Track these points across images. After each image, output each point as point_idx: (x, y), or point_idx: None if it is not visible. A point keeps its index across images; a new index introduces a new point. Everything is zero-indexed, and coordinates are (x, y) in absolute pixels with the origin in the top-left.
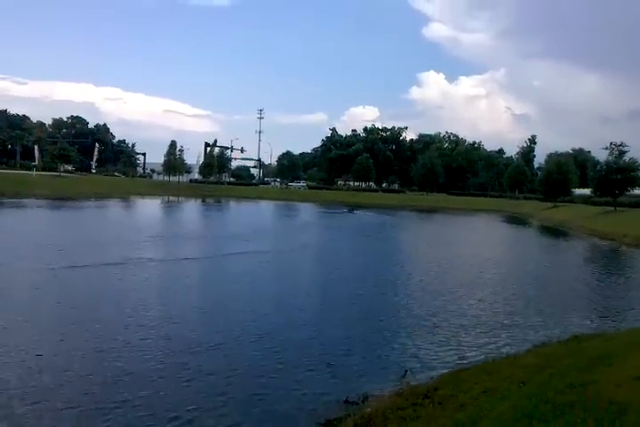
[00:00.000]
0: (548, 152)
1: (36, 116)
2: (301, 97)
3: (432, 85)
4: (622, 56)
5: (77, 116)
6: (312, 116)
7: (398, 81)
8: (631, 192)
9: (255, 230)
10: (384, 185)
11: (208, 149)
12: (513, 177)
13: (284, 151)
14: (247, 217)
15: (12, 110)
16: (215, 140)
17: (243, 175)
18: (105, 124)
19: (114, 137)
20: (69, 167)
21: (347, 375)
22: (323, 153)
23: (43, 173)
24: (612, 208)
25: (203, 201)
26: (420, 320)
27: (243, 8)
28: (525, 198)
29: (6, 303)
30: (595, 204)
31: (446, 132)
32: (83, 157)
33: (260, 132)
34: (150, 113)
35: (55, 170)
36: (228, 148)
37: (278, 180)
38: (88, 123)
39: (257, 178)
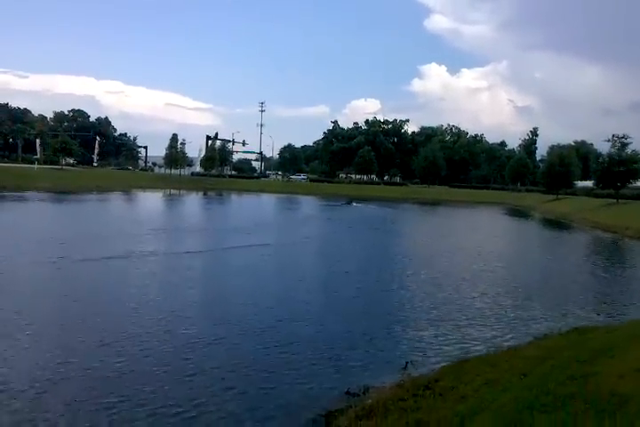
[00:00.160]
0: (550, 144)
1: (37, 109)
2: (303, 90)
3: (434, 78)
4: (624, 48)
5: (79, 110)
6: (314, 109)
7: (400, 73)
8: (633, 184)
9: (257, 223)
10: (386, 178)
11: (209, 142)
12: (515, 169)
13: (286, 144)
14: (249, 210)
15: (14, 104)
16: (216, 134)
17: (244, 168)
18: (106, 118)
19: (115, 130)
20: (71, 161)
21: (348, 367)
22: (324, 146)
23: (44, 166)
24: (615, 200)
25: (204, 194)
26: (423, 313)
27: (243, 0)
28: (527, 191)
29: (8, 297)
30: (597, 196)
31: (448, 125)
32: (84, 150)
33: (261, 125)
34: (152, 106)
35: (57, 163)
36: (229, 141)
37: (279, 173)
38: (89, 116)
39: (258, 171)
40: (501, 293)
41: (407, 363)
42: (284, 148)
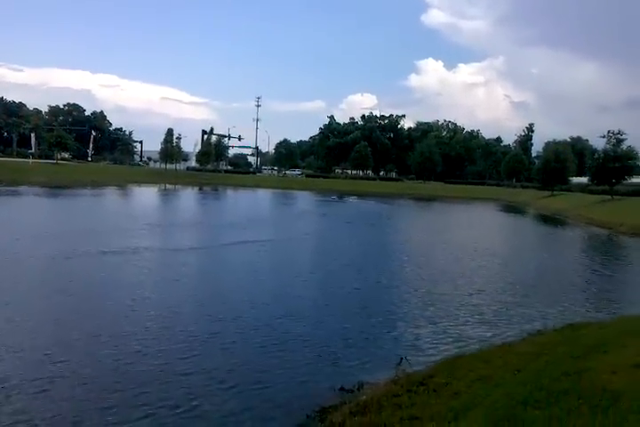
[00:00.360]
0: (545, 140)
1: (32, 103)
2: (299, 85)
3: (430, 73)
4: (620, 44)
5: (74, 104)
6: (310, 104)
7: (397, 68)
8: (628, 181)
9: (253, 219)
10: (381, 173)
11: (205, 136)
12: (510, 165)
13: (282, 139)
14: (245, 205)
15: (9, 98)
16: (212, 128)
17: (240, 163)
18: (102, 112)
19: (111, 125)
20: (66, 155)
21: (343, 364)
22: (320, 141)
23: (39, 160)
24: (610, 197)
25: (200, 189)
26: (419, 309)
27: None
28: (523, 187)
29: (3, 293)
30: (592, 192)
31: (444, 120)
32: (79, 144)
33: (257, 120)
34: (147, 100)
35: (52, 158)
36: (225, 136)
37: (275, 168)
38: (85, 110)
39: (254, 166)
40: (498, 289)
41: (402, 359)
42: (280, 143)
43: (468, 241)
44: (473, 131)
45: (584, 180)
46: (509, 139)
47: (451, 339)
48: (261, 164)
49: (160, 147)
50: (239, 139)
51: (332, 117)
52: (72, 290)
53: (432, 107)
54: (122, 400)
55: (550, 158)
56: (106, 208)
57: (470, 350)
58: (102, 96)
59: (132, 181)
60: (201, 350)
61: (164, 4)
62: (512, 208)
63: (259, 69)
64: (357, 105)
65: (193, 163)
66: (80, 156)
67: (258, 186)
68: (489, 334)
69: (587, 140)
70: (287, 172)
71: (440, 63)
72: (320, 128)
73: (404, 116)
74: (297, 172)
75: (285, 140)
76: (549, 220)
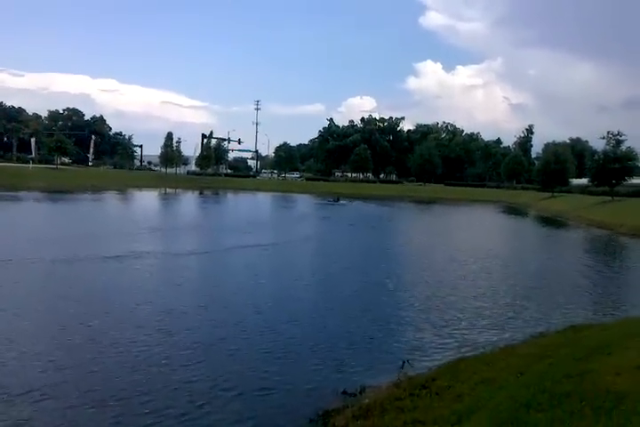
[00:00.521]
0: (545, 142)
1: (31, 108)
2: (298, 88)
3: (429, 75)
4: (617, 45)
5: (74, 109)
6: (309, 107)
7: (395, 71)
8: (628, 182)
9: (254, 222)
10: (381, 176)
11: (205, 140)
12: (510, 167)
13: (282, 143)
14: (245, 209)
15: (8, 103)
16: (211, 132)
17: (240, 167)
18: (101, 116)
19: (110, 129)
20: (66, 160)
21: (346, 367)
22: (320, 144)
23: (39, 165)
24: (610, 198)
25: (200, 193)
26: (422, 313)
27: None
28: (523, 189)
29: (6, 297)
30: (592, 193)
31: (444, 122)
32: (79, 149)
33: (257, 124)
34: (147, 105)
35: (52, 162)
36: (225, 139)
37: (274, 171)
38: (84, 115)
39: (254, 169)
40: (501, 291)
41: (404, 362)
42: (280, 146)
43: (470, 243)
44: (472, 133)
45: (584, 181)
46: (509, 140)
47: (453, 342)
48: (261, 167)
49: (160, 151)
50: (239, 142)
51: (331, 120)
52: (74, 295)
53: (431, 109)
54: (127, 408)
55: (550, 160)
56: (106, 213)
57: (473, 352)
58: (102, 101)
59: (132, 185)
60: (205, 355)
61: (163, 8)
62: (513, 210)
63: (258, 73)
64: (357, 108)
65: (193, 167)
66: (80, 160)
67: (258, 189)
68: (494, 338)
69: (586, 142)
70: (287, 175)
71: (439, 65)
72: (319, 131)
73: (403, 118)
74: (295, 175)
75: (285, 144)
76: (550, 221)
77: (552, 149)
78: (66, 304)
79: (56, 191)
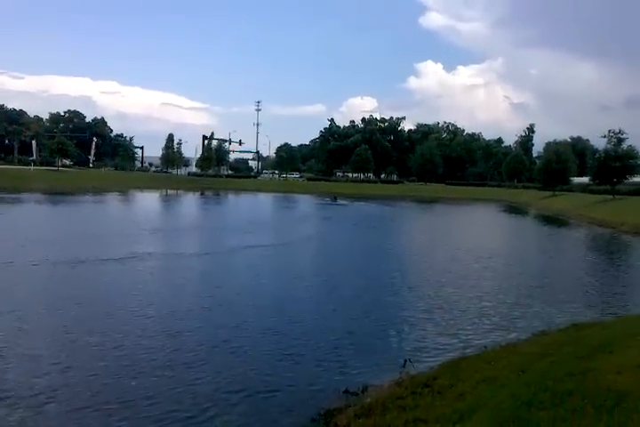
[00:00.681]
0: (546, 141)
1: (32, 110)
2: (299, 88)
3: (430, 75)
4: (618, 44)
5: (74, 111)
6: (310, 108)
7: (396, 71)
8: (630, 180)
9: (255, 223)
10: (382, 176)
11: (206, 141)
12: (511, 166)
13: (283, 143)
14: (246, 209)
15: (9, 105)
16: (212, 133)
17: (241, 168)
18: (102, 118)
19: (111, 131)
20: (67, 162)
21: (349, 367)
22: (321, 144)
23: (40, 167)
24: (611, 196)
25: (202, 194)
26: (425, 312)
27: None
28: (524, 187)
29: (9, 300)
30: (593, 192)
31: (444, 122)
32: (80, 151)
33: (257, 125)
34: (148, 106)
35: (53, 165)
36: (226, 140)
37: (275, 172)
38: (85, 117)
39: (255, 170)
40: (504, 290)
41: (406, 361)
42: (281, 147)
43: (472, 242)
44: (474, 133)
45: (585, 180)
46: (510, 140)
47: (457, 342)
48: (262, 168)
49: (161, 152)
50: (240, 143)
51: (332, 121)
52: (76, 297)
53: (432, 109)
54: (131, 411)
55: (551, 159)
56: (108, 214)
57: (474, 351)
58: (103, 103)
59: (133, 186)
60: (208, 356)
61: (163, 10)
62: (514, 209)
63: (258, 74)
64: (357, 108)
65: (194, 168)
66: (81, 162)
67: (259, 190)
68: (499, 339)
69: (587, 140)
70: (288, 175)
71: (439, 65)
72: (320, 131)
73: (404, 118)
74: (295, 175)
75: (286, 144)
76: (552, 220)
77: (553, 147)
78: (68, 306)
79: (57, 193)
